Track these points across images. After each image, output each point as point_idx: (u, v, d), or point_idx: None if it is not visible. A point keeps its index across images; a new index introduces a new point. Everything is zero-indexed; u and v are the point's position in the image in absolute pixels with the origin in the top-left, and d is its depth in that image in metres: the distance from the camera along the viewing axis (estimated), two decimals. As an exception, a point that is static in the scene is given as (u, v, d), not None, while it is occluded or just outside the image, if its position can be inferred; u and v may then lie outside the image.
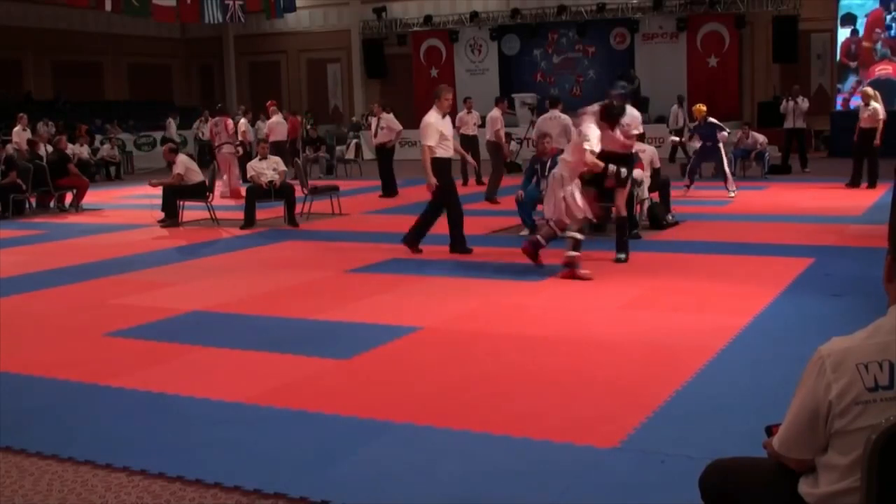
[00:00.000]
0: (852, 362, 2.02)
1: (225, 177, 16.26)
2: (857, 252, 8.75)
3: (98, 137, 23.39)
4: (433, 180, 9.32)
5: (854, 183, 14.30)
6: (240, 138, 17.57)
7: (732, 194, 13.46)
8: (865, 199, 12.57)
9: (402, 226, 11.89)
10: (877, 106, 14.19)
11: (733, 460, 2.47)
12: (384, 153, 16.22)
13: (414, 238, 9.55)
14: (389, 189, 15.84)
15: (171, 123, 25.99)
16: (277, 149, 16.34)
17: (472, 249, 9.41)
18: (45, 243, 11.37)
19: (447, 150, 9.48)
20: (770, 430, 2.35)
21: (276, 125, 18.25)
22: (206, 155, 22.81)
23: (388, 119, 16.38)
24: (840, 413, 2.02)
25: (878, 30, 21.88)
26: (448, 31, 26.97)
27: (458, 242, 9.48)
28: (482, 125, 18.01)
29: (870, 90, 14.87)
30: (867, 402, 1.99)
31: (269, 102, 19.86)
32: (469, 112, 17.57)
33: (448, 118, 9.71)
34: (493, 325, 6.30)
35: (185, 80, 32.05)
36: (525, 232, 10.41)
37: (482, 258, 9.10)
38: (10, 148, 15.61)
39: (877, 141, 14.02)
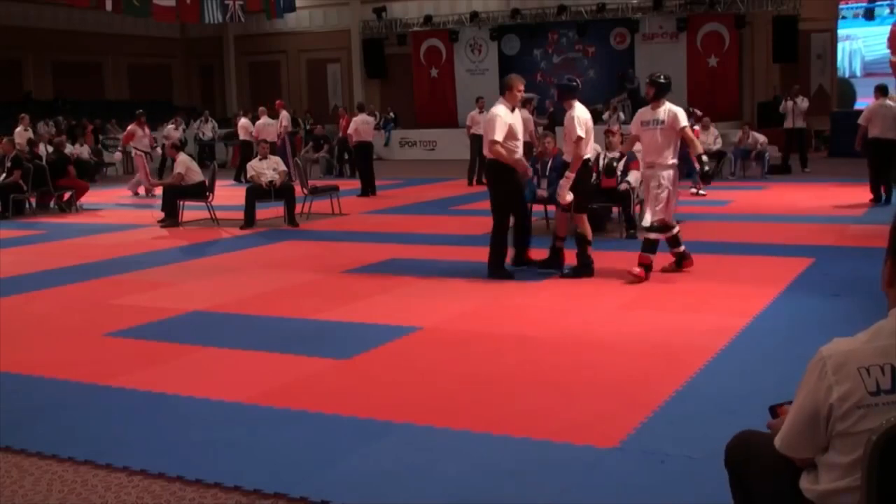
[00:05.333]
0: (854, 366, 2.02)
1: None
2: (857, 252, 8.75)
3: (99, 137, 23.36)
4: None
5: None
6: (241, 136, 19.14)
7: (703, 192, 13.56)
8: (865, 199, 12.56)
9: (402, 226, 11.94)
10: None
11: (758, 436, 2.45)
12: (357, 150, 16.60)
13: (495, 264, 8.06)
14: (367, 188, 16.01)
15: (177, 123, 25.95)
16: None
17: (512, 274, 8.06)
18: (45, 243, 11.36)
19: (514, 151, 7.99)
20: (774, 411, 2.34)
21: (265, 126, 18.06)
22: (206, 155, 22.87)
23: (355, 121, 16.67)
24: (842, 416, 2.02)
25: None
26: (448, 31, 26.94)
27: (516, 253, 8.29)
28: None
29: None
30: (869, 406, 1.99)
31: (278, 102, 19.92)
32: (481, 112, 17.57)
33: (519, 113, 8.27)
34: (493, 326, 6.30)
35: (185, 80, 32.03)
36: None
37: (482, 258, 9.07)
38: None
39: None
